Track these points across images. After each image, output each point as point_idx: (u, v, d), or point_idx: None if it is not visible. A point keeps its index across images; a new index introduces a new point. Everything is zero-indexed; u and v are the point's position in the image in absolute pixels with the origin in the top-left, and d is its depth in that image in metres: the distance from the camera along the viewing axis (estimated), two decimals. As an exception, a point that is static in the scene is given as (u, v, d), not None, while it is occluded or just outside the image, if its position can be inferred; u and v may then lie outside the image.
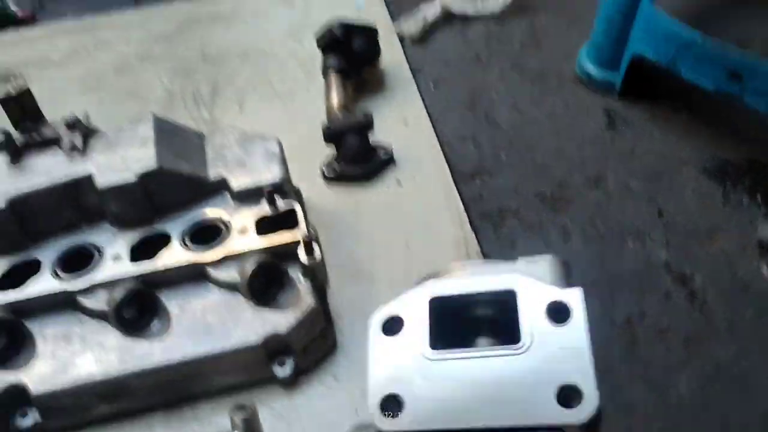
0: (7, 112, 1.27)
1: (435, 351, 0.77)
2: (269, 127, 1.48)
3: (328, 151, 1.60)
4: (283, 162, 1.34)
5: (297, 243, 1.22)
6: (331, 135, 1.55)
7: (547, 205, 1.52)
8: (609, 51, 1.75)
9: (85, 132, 1.28)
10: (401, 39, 2.01)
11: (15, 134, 1.27)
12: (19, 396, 1.13)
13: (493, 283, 0.81)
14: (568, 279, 0.84)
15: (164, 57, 2.00)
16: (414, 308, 0.82)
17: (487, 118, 1.75)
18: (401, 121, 1.72)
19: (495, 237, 1.46)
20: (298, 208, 1.27)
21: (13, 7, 2.17)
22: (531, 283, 0.79)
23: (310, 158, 1.59)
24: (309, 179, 1.53)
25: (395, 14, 2.09)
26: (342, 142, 1.55)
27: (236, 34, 2.08)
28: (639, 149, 1.62)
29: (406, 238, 1.44)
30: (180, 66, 1.97)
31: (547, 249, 1.35)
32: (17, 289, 1.20)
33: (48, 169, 1.25)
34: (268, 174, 1.31)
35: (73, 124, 1.28)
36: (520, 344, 0.75)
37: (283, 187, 1.31)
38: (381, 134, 1.63)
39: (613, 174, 1.56)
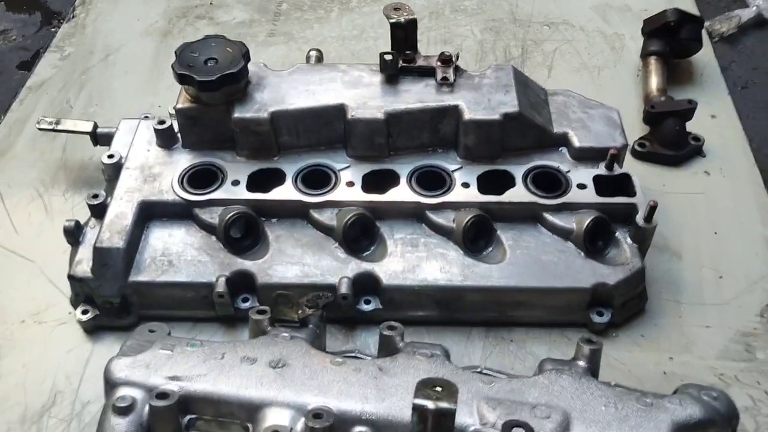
0: (392, 36, 1.43)
1: None
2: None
3: (636, 128, 1.67)
4: (623, 131, 1.43)
5: (631, 206, 1.32)
6: (652, 116, 1.62)
7: None
8: None
9: (455, 69, 1.42)
10: (709, 35, 2.02)
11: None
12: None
13: None
14: None
15: (475, 12, 2.12)
16: None
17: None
18: (709, 115, 1.75)
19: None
20: (634, 175, 1.36)
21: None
22: None
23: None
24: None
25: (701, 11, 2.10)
26: (660, 124, 1.62)
27: (543, 2, 2.16)
28: None
29: (713, 226, 1.49)
30: (490, 23, 2.08)
31: None
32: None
33: (420, 96, 1.40)
34: (611, 139, 1.40)
35: (447, 60, 1.42)
36: None
37: (622, 154, 1.40)
38: (689, 125, 1.67)
39: None
